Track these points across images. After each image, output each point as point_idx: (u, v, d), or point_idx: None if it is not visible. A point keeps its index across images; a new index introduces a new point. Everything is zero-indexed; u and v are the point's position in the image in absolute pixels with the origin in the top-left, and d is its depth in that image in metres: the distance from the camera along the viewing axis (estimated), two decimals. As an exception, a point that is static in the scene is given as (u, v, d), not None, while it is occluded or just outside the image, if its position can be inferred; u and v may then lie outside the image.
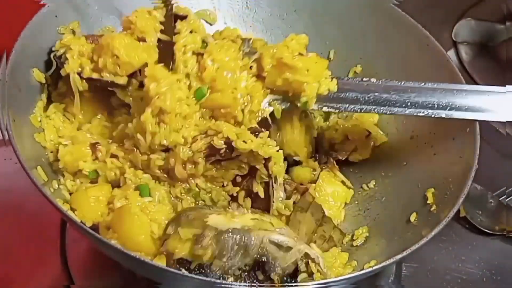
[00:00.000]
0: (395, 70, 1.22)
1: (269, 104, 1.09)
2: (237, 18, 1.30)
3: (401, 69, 1.21)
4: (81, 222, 0.94)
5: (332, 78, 1.10)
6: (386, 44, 1.23)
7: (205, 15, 1.28)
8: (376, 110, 1.09)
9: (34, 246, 1.18)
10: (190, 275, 0.84)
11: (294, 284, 0.92)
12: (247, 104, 1.06)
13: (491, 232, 1.27)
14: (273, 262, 0.91)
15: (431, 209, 1.04)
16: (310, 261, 0.93)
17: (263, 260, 0.91)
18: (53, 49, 1.09)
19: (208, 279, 0.85)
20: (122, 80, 1.06)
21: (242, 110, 1.05)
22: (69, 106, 1.10)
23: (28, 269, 1.16)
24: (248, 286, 0.89)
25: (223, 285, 0.86)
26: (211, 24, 1.29)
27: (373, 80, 1.11)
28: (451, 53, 1.58)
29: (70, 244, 1.18)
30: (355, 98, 1.10)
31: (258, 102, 1.07)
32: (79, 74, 1.06)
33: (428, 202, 1.06)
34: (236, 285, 0.87)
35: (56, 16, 1.10)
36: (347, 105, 1.10)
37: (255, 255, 0.91)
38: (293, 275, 0.93)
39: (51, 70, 1.09)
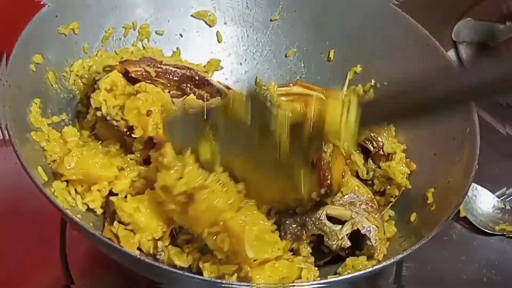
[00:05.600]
0: (395, 70, 1.22)
1: None
2: (237, 18, 1.30)
3: (401, 69, 1.21)
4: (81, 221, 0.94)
5: None
6: (386, 44, 1.23)
7: (205, 16, 1.28)
8: None
9: (34, 246, 1.18)
10: (189, 274, 0.84)
11: (291, 284, 0.92)
12: None
13: (491, 232, 1.27)
14: (329, 236, 0.98)
15: (431, 209, 1.04)
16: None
17: (321, 234, 0.99)
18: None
19: (208, 278, 0.85)
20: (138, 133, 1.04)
21: None
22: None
23: (28, 269, 1.16)
24: (247, 286, 0.89)
25: (223, 285, 0.86)
26: (210, 26, 1.29)
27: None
28: (451, 53, 1.57)
29: (70, 244, 1.17)
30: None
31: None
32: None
33: (428, 202, 1.06)
34: (236, 284, 0.87)
35: (56, 16, 1.10)
36: None
37: (315, 229, 0.98)
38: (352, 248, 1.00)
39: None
